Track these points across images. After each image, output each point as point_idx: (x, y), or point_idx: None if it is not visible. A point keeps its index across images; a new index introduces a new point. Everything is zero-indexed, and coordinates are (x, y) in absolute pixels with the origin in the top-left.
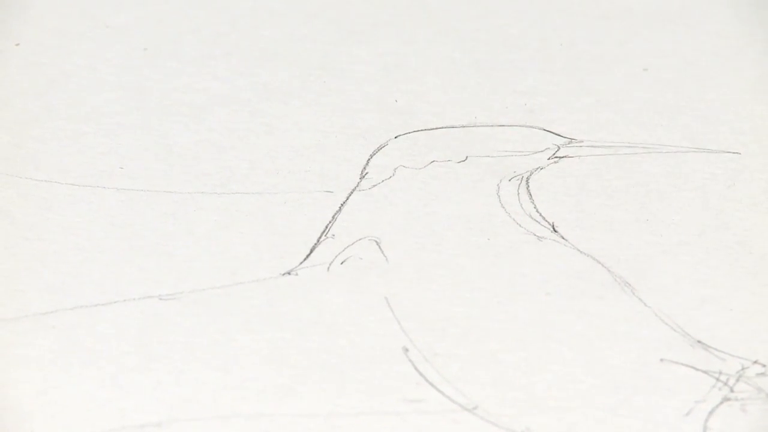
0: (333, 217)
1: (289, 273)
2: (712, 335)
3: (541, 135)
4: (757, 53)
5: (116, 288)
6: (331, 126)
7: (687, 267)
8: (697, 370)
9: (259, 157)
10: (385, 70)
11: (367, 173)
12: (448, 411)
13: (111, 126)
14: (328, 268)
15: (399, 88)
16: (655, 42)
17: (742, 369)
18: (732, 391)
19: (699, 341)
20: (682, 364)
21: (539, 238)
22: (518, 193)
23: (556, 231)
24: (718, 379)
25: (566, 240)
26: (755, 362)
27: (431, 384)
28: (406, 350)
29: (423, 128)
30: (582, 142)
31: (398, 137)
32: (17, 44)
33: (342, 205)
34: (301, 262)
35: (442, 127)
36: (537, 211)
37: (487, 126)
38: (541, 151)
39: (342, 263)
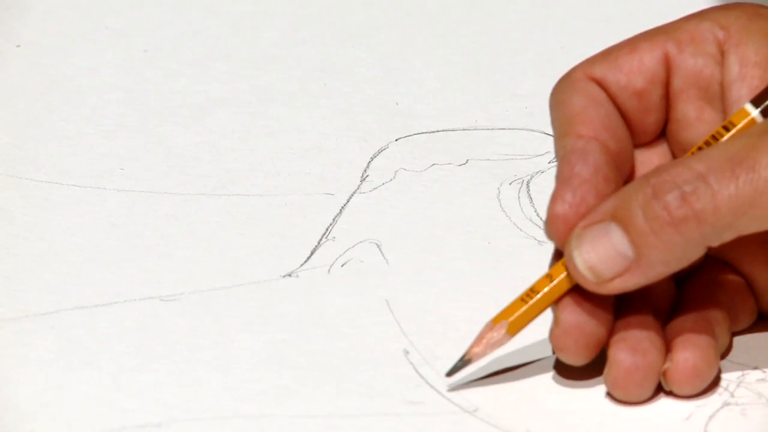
0: (333, 219)
1: (289, 275)
2: None
3: (542, 138)
4: None
5: (117, 289)
6: (332, 128)
7: None
8: None
9: (260, 159)
10: (385, 72)
11: (367, 176)
12: (448, 413)
13: (111, 127)
14: (329, 271)
15: (400, 91)
16: None
17: (742, 375)
18: (732, 396)
19: None
20: None
21: (540, 242)
22: (519, 197)
23: None
24: (718, 384)
25: None
26: (755, 368)
27: (431, 386)
28: (407, 352)
29: (424, 131)
30: None
31: (399, 140)
32: (18, 45)
33: (342, 207)
34: (301, 265)
35: (443, 130)
36: (537, 214)
37: (488, 129)
38: (542, 155)
39: (342, 266)
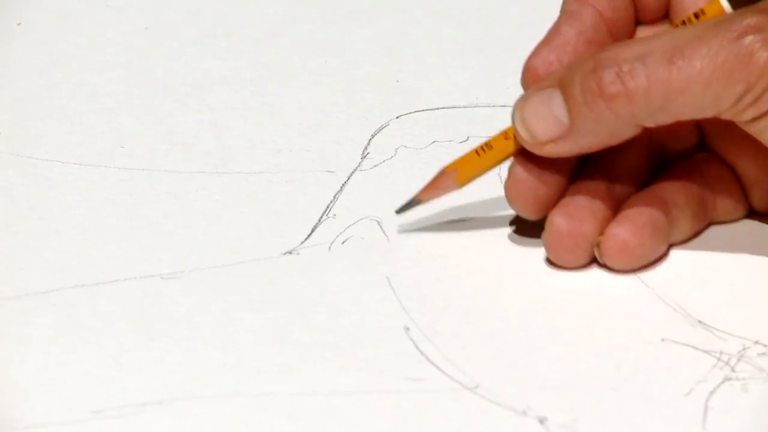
0: (334, 196)
1: (290, 252)
2: (713, 315)
3: None
4: None
5: (117, 267)
6: (333, 106)
7: (688, 247)
8: (698, 350)
9: (260, 137)
10: (386, 49)
11: (368, 153)
12: (450, 390)
13: (112, 105)
14: (330, 248)
15: (400, 68)
16: None
17: (744, 349)
18: (733, 371)
19: (700, 321)
20: (683, 344)
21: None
22: None
23: None
24: (719, 359)
25: None
26: (756, 342)
27: (432, 363)
28: (408, 329)
29: (424, 108)
30: None
31: (400, 117)
32: (19, 24)
33: (343, 184)
34: (302, 242)
35: (444, 108)
36: None
37: (489, 106)
38: None
39: (343, 243)
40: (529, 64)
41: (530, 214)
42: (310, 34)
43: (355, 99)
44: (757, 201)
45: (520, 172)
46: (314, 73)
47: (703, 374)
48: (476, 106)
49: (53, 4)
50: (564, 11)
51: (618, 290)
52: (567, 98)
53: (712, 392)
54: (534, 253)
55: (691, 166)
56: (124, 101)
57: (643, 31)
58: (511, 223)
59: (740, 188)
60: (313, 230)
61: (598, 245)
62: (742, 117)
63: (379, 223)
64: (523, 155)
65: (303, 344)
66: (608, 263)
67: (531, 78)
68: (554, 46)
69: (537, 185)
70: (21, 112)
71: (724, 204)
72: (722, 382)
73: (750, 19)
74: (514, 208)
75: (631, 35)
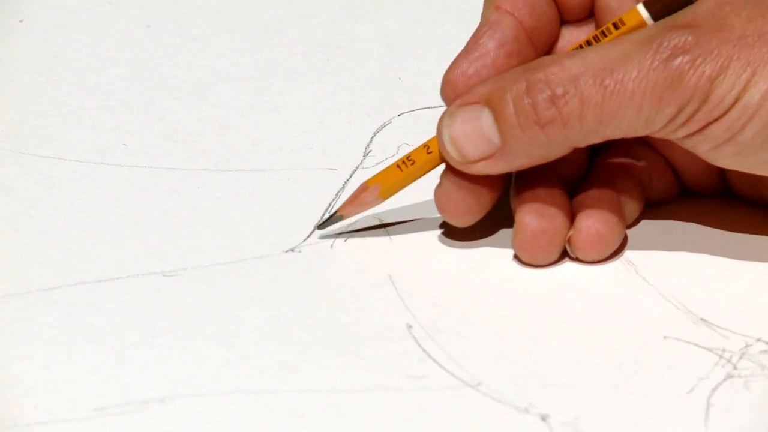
0: (336, 194)
1: (292, 250)
2: (716, 313)
3: None
4: None
5: (119, 264)
6: (335, 103)
7: (689, 245)
8: (700, 347)
9: (263, 135)
10: (388, 47)
11: (370, 151)
12: (452, 387)
13: (114, 102)
14: (332, 246)
15: (403, 66)
16: None
17: (746, 346)
18: (735, 368)
19: (702, 319)
20: (686, 342)
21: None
22: None
23: None
24: (721, 357)
25: None
26: (758, 340)
27: (434, 360)
28: (410, 327)
29: (426, 106)
30: None
31: (402, 115)
32: (21, 20)
33: (345, 182)
34: (304, 240)
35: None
36: None
37: None
38: None
39: (345, 241)
40: (448, 77)
41: (461, 223)
42: (312, 31)
43: (358, 97)
44: (690, 182)
45: (449, 184)
46: (316, 70)
47: (706, 371)
48: None
49: (55, 1)
50: (484, 21)
51: (620, 288)
52: (498, 118)
53: (714, 389)
54: None
55: (626, 149)
56: (126, 99)
57: (568, 32)
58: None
59: (672, 170)
60: (315, 228)
61: (569, 240)
62: (674, 136)
63: (381, 221)
64: (452, 167)
65: (305, 342)
66: (581, 256)
67: (451, 92)
68: (474, 58)
69: (467, 197)
70: (23, 109)
71: (659, 185)
72: (724, 380)
73: (678, 38)
74: (444, 217)
75: (554, 39)
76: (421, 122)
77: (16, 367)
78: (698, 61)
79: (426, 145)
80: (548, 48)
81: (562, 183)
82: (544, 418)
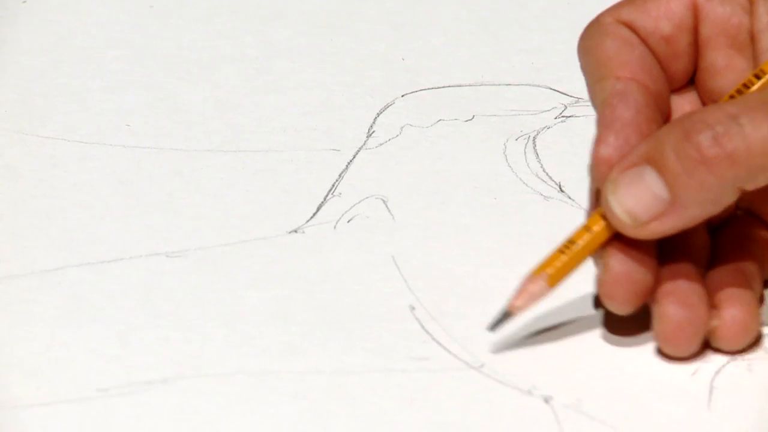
0: (339, 175)
1: (295, 231)
2: None
3: (548, 94)
4: None
5: (122, 245)
6: (338, 84)
7: None
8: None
9: (266, 115)
10: (392, 28)
11: (373, 132)
12: (455, 369)
13: (117, 83)
14: (335, 227)
15: (406, 47)
16: None
17: None
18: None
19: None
20: None
21: (546, 197)
22: (525, 152)
23: (563, 191)
24: None
25: (573, 199)
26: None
27: (438, 342)
28: (413, 309)
29: (430, 87)
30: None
31: (405, 96)
32: (24, 1)
33: (349, 163)
34: (307, 221)
35: (449, 86)
36: (543, 170)
37: (494, 85)
38: (548, 110)
39: (349, 222)
40: (599, 156)
41: (630, 308)
42: (315, 12)
43: (361, 77)
44: None
45: (619, 264)
46: (320, 51)
47: (708, 354)
48: (482, 85)
49: None
50: (612, 93)
51: None
52: (663, 172)
53: (717, 372)
54: (537, 233)
55: (740, 230)
56: (129, 79)
57: (673, 101)
58: (519, 208)
59: None
60: (318, 209)
61: (714, 330)
62: None
63: (384, 202)
64: (615, 245)
65: (308, 323)
66: (724, 346)
67: (608, 169)
68: (618, 130)
69: (638, 274)
70: (26, 90)
71: None
72: (727, 362)
73: None
74: (611, 306)
75: (668, 103)
76: (424, 103)
77: (18, 348)
78: None
79: (586, 225)
80: (667, 114)
81: (699, 273)
82: (547, 400)
